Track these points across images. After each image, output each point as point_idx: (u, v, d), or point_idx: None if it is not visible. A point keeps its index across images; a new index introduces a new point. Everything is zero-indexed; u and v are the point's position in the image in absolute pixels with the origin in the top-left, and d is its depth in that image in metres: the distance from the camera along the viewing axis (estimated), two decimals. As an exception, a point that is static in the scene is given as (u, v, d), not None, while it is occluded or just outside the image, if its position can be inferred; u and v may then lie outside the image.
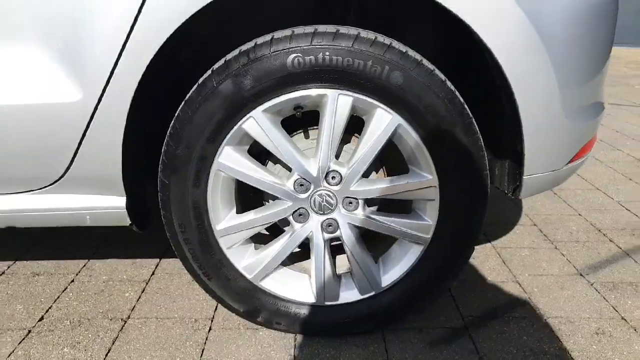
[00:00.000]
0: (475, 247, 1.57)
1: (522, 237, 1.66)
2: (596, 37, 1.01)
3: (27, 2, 0.90)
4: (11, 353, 1.08)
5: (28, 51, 0.92)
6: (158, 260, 1.48)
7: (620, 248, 1.60)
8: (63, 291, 1.31)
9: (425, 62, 0.95)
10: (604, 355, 1.12)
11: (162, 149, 1.01)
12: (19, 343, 1.11)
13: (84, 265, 1.44)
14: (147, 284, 1.36)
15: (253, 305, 1.13)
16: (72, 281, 1.36)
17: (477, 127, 0.99)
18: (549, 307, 1.29)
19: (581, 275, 1.44)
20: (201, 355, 1.09)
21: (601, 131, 2.92)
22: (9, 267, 1.43)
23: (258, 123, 0.97)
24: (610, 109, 3.49)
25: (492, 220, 1.76)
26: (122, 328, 1.18)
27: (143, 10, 0.88)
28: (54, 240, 1.57)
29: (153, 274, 1.41)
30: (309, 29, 0.94)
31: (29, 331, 1.16)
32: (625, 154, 2.53)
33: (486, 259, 1.52)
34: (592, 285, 1.39)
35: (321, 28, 0.94)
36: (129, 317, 1.21)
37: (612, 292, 1.36)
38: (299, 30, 0.94)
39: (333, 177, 1.03)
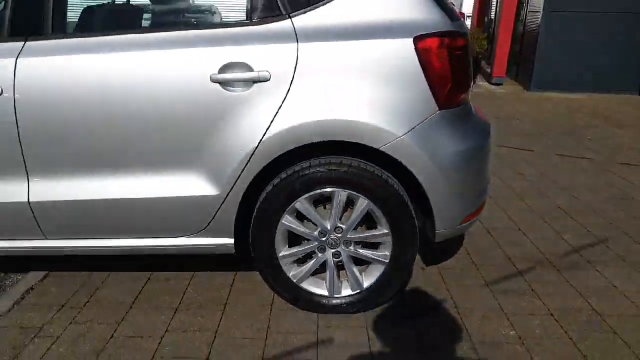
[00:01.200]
0: (425, 268, 2.57)
1: (458, 261, 2.65)
2: (473, 164, 2.01)
3: (200, 143, 1.91)
4: (171, 320, 2.09)
5: (197, 171, 1.94)
6: (234, 273, 2.48)
7: (517, 269, 2.57)
8: (186, 289, 2.32)
9: (383, 175, 1.96)
10: (483, 329, 2.10)
11: (254, 215, 2.02)
12: (174, 315, 2.12)
13: (192, 276, 2.45)
14: (231, 286, 2.36)
15: (296, 296, 2.13)
16: (189, 284, 2.37)
17: (411, 206, 1.99)
18: (462, 303, 2.27)
19: (487, 285, 2.42)
20: (268, 322, 2.09)
21: (540, 181, 3.89)
22: (151, 274, 2.44)
23: (302, 204, 1.98)
24: (557, 160, 4.47)
25: (441, 252, 2.75)
26: (224, 309, 2.18)
27: (252, 158, 1.90)
28: (173, 260, 2.58)
29: (234, 280, 2.41)
30: (327, 160, 1.95)
31: (176, 309, 2.16)
32: (551, 201, 3.51)
33: (431, 275, 2.51)
34: (491, 291, 2.37)
35: (333, 159, 1.96)
36: (226, 303, 2.22)
37: (502, 295, 2.34)
38: (322, 160, 1.95)
39: (338, 230, 2.04)
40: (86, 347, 1.92)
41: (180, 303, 2.21)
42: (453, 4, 2.31)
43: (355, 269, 2.11)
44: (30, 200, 1.98)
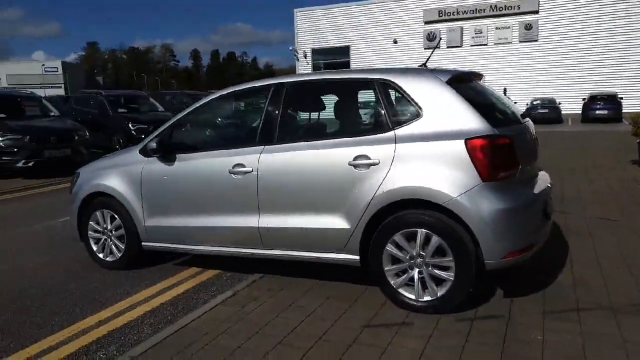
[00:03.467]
0: (505, 298, 3.53)
1: (532, 297, 3.51)
2: (509, 218, 3.08)
3: (342, 198, 3.45)
4: (324, 302, 3.56)
5: (339, 214, 3.47)
6: (365, 287, 3.84)
7: (578, 307, 3.33)
8: (331, 291, 3.78)
9: (449, 222, 3.17)
10: (519, 334, 3.02)
11: (370, 243, 3.41)
12: (325, 300, 3.59)
13: (338, 285, 3.90)
14: (363, 291, 3.73)
15: (395, 297, 3.40)
16: (336, 287, 3.82)
17: (469, 243, 3.13)
18: (515, 317, 3.19)
19: (543, 313, 3.27)
20: (379, 309, 3.39)
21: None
22: (313, 282, 3.98)
23: (399, 237, 3.31)
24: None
25: (522, 289, 3.64)
26: (356, 300, 3.56)
27: (367, 208, 3.34)
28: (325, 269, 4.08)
29: (365, 290, 3.77)
30: (412, 211, 3.27)
31: (328, 297, 3.64)
32: (658, 270, 3.96)
33: (501, 300, 3.45)
34: (544, 315, 3.22)
35: (416, 211, 3.26)
36: (357, 299, 3.59)
37: (549, 319, 3.17)
38: (410, 211, 3.28)
39: (421, 256, 3.28)
40: (284, 306, 3.51)
41: (328, 298, 3.67)
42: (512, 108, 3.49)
43: (433, 283, 3.29)
44: (259, 226, 3.76)
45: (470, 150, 3.14)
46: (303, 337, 3.07)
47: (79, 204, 4.59)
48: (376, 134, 3.43)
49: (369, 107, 3.55)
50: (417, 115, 3.34)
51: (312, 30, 39.96)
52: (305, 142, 3.64)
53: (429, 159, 3.23)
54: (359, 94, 3.80)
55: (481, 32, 35.85)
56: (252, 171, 3.74)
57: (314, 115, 4.02)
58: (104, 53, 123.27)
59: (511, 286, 3.72)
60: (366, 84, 3.62)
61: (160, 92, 21.95)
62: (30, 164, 10.22)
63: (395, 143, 3.33)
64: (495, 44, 35.75)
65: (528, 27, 33.62)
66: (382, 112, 3.45)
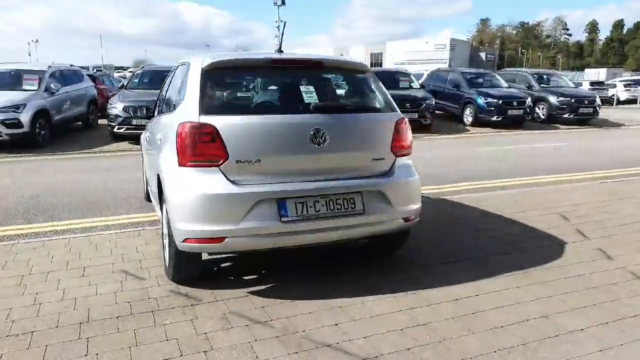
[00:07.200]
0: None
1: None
2: (189, 204, 3.07)
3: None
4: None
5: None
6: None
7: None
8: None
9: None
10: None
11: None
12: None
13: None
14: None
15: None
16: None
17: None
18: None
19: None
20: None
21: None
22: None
23: (162, 207, 3.67)
24: None
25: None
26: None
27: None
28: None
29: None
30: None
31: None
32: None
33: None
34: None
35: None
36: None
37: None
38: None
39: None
40: (109, 250, 4.39)
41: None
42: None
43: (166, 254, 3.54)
44: (150, 183, 4.66)
45: (177, 135, 3.21)
46: (63, 272, 3.75)
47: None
48: (172, 112, 3.73)
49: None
50: (184, 97, 3.51)
51: None
52: (160, 116, 4.33)
53: (167, 139, 3.47)
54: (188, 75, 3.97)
55: None
56: (149, 136, 4.66)
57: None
58: (493, 29, 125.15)
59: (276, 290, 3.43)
60: (186, 66, 3.87)
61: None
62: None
63: (169, 122, 3.60)
64: None
65: None
66: (183, 92, 3.69)
